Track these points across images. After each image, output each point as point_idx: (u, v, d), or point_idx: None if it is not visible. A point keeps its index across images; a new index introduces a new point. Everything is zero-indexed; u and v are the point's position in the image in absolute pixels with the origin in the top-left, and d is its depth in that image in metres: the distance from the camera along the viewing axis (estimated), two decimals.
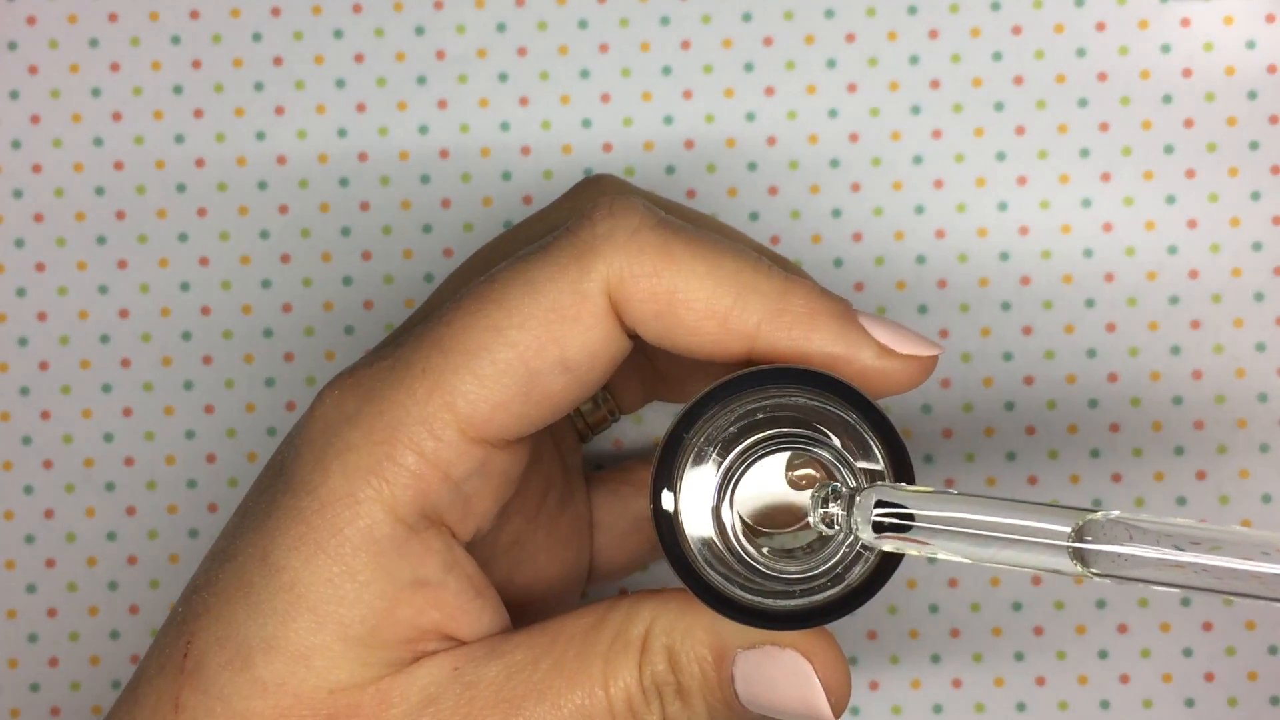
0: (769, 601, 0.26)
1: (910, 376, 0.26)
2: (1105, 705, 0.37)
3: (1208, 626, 0.36)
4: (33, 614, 0.38)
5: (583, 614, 0.27)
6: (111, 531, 0.38)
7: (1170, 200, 0.37)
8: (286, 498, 0.26)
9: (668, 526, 0.26)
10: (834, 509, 0.25)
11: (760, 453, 0.26)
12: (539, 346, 0.26)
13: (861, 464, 0.26)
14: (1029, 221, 0.37)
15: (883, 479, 0.25)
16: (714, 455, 0.26)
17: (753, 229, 0.37)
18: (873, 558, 0.25)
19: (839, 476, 0.26)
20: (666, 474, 0.26)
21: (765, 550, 0.26)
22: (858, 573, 0.26)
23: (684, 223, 0.27)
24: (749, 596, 0.26)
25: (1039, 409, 0.37)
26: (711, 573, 0.26)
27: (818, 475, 0.26)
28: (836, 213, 0.37)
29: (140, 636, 0.38)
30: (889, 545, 0.24)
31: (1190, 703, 0.37)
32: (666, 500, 0.26)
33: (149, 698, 0.27)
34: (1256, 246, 0.37)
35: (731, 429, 0.26)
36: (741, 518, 0.26)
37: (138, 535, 0.38)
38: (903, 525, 0.24)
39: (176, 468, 0.38)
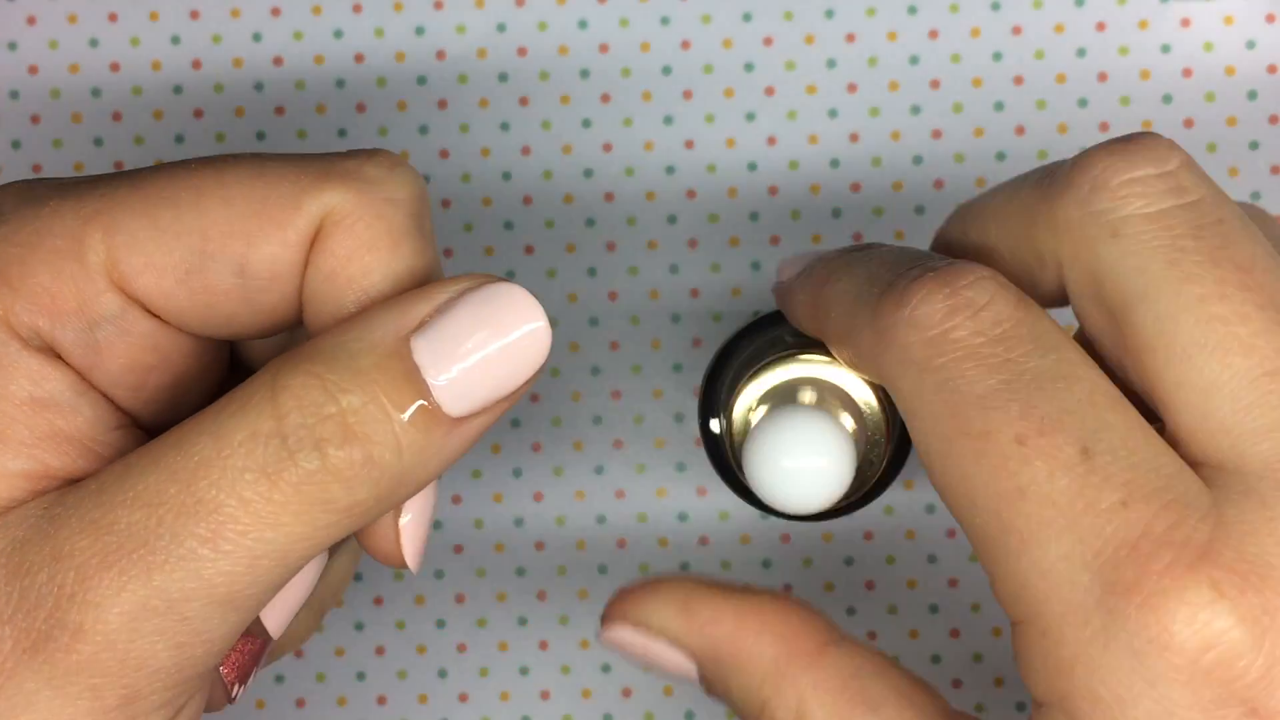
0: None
1: None
2: None
3: None
4: None
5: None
6: None
7: None
8: None
9: (715, 445, 0.30)
10: None
11: (786, 378, 0.30)
12: (229, 233, 0.23)
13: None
14: None
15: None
16: (750, 379, 0.30)
17: (753, 229, 0.37)
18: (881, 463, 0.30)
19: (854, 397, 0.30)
20: (711, 400, 0.30)
21: None
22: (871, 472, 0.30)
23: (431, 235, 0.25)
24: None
25: None
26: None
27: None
28: (836, 213, 0.37)
29: None
30: None
31: None
32: (714, 424, 0.30)
33: None
34: None
35: (764, 359, 0.30)
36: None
37: None
38: None
39: None
